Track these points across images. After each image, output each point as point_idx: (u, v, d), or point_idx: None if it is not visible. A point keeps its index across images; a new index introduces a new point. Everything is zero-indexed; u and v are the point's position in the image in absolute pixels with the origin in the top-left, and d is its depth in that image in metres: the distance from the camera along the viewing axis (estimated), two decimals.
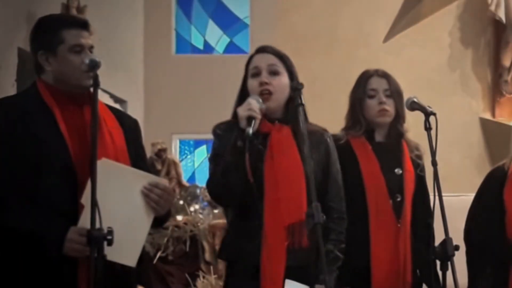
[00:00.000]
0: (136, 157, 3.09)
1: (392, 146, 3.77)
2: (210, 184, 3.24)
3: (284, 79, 3.28)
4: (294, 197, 3.17)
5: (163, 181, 3.01)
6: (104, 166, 2.80)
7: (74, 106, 2.99)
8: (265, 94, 3.22)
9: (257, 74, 3.27)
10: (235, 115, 3.25)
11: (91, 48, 2.99)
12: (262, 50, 3.36)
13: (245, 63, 3.37)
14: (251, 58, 3.35)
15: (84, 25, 3.02)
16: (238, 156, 3.10)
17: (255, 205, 3.15)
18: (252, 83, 3.27)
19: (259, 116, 3.12)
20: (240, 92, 3.34)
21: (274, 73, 3.27)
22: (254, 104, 3.14)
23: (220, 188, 3.18)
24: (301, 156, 3.21)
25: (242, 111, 3.12)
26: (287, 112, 3.27)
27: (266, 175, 3.17)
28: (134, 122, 3.21)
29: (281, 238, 3.14)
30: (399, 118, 3.77)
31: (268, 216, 3.15)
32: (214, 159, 3.25)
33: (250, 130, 3.06)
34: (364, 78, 3.80)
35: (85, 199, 2.75)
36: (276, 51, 3.34)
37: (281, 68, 3.29)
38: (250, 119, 3.08)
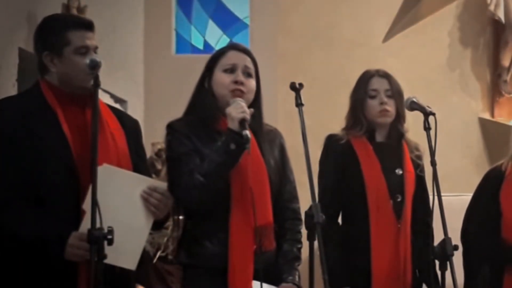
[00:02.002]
0: (137, 158, 3.10)
1: (392, 147, 3.78)
2: (191, 183, 3.07)
3: (253, 82, 3.26)
4: (261, 199, 3.13)
5: (162, 185, 3.01)
6: (105, 172, 2.82)
7: (77, 107, 2.99)
8: (237, 93, 3.18)
9: (232, 70, 3.22)
10: (191, 109, 3.22)
11: (95, 49, 3.00)
12: (238, 48, 3.31)
13: (214, 55, 3.29)
14: (223, 52, 3.28)
15: (89, 26, 3.03)
16: (232, 159, 3.05)
17: (220, 206, 3.08)
18: (224, 78, 3.21)
19: (249, 120, 3.07)
20: (201, 85, 3.26)
21: (248, 74, 3.24)
22: (245, 106, 3.09)
23: (202, 190, 3.06)
24: (264, 158, 3.19)
25: (236, 113, 3.05)
26: (251, 116, 3.19)
27: (232, 177, 3.10)
28: (135, 123, 3.21)
29: (249, 241, 3.09)
30: (399, 118, 3.78)
31: (235, 218, 3.09)
32: (182, 157, 3.13)
33: (248, 133, 3.01)
34: (365, 78, 3.81)
35: (87, 205, 2.75)
36: (252, 54, 3.30)
37: (253, 71, 3.26)
38: (243, 121, 3.04)
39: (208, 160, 3.07)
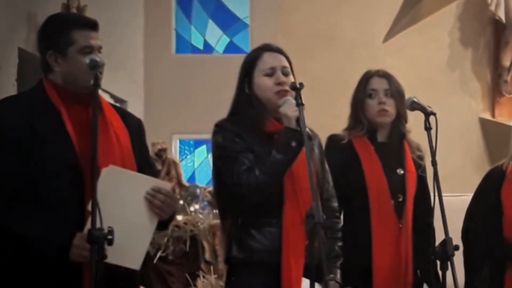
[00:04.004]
0: (141, 157, 3.10)
1: (394, 147, 3.77)
2: (249, 184, 3.12)
3: (292, 79, 3.30)
4: (309, 195, 3.13)
5: (166, 185, 3.01)
6: (111, 173, 2.82)
7: (80, 106, 2.97)
8: (282, 93, 3.23)
9: (271, 74, 3.28)
10: (235, 113, 3.27)
11: (100, 48, 2.98)
12: (272, 49, 3.36)
13: (250, 59, 3.34)
14: (258, 56, 3.32)
15: (93, 26, 3.00)
16: (293, 156, 3.12)
17: (273, 201, 3.15)
18: (267, 82, 3.26)
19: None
20: (241, 90, 3.31)
21: (286, 73, 3.30)
22: (295, 105, 3.15)
23: (263, 187, 3.12)
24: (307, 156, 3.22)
25: (291, 112, 3.12)
26: None
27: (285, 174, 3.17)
28: (138, 122, 3.21)
29: (301, 236, 3.12)
30: (400, 118, 3.77)
31: (289, 213, 3.15)
32: (236, 156, 3.17)
33: (308, 130, 3.08)
34: (365, 78, 3.81)
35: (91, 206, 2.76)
36: (283, 51, 3.36)
37: (290, 69, 3.33)
38: (298, 119, 3.10)
39: (271, 159, 3.13)
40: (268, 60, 3.30)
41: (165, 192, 2.94)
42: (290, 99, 3.18)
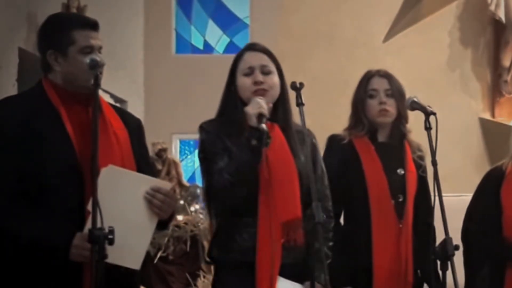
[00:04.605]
0: (140, 157, 3.10)
1: (394, 147, 3.77)
2: (220, 183, 3.13)
3: (275, 77, 3.28)
4: (289, 194, 3.16)
5: (166, 185, 3.01)
6: (110, 173, 2.82)
7: (80, 106, 2.98)
8: (259, 93, 3.21)
9: (250, 73, 3.26)
10: (221, 113, 3.28)
11: (100, 48, 2.98)
12: (252, 48, 3.34)
13: (234, 60, 3.33)
14: (240, 56, 3.32)
15: (94, 26, 3.01)
16: (255, 155, 3.09)
17: (251, 201, 3.12)
18: (245, 82, 3.26)
19: (267, 115, 3.12)
20: (228, 90, 3.32)
21: (267, 72, 3.26)
22: (262, 102, 3.14)
23: (231, 188, 3.11)
24: (293, 154, 3.22)
25: (252, 110, 3.10)
26: (276, 110, 3.26)
27: (261, 173, 3.13)
28: (138, 122, 3.21)
29: (277, 235, 3.11)
30: (401, 118, 3.77)
31: (263, 213, 3.12)
32: (213, 157, 3.19)
33: (264, 126, 3.05)
34: (366, 78, 3.81)
35: (91, 206, 2.76)
36: (267, 50, 3.33)
37: (272, 67, 3.28)
38: (260, 116, 3.08)
39: (234, 159, 3.12)
40: (247, 59, 3.29)
41: (165, 192, 2.94)
42: (258, 98, 3.16)
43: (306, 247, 3.20)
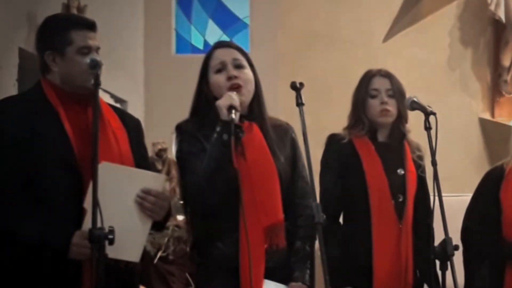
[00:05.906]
0: (139, 157, 3.10)
1: (394, 147, 3.77)
2: (194, 183, 3.05)
3: (249, 72, 3.21)
4: (270, 197, 3.10)
5: (159, 178, 3.01)
6: (105, 169, 2.82)
7: (78, 106, 2.98)
8: (235, 88, 3.13)
9: (222, 69, 3.18)
10: (195, 112, 3.21)
11: (97, 49, 2.99)
12: (222, 45, 3.29)
13: (204, 60, 3.26)
14: (210, 54, 3.24)
15: (91, 26, 3.01)
16: (227, 150, 2.99)
17: (230, 206, 3.04)
18: (218, 79, 3.17)
19: (239, 108, 3.04)
20: (199, 90, 3.24)
21: (239, 66, 3.19)
22: (234, 95, 3.06)
23: (204, 187, 3.03)
24: (273, 155, 3.15)
25: (222, 102, 3.02)
26: (252, 108, 3.20)
27: (240, 175, 3.02)
28: (137, 122, 3.21)
29: (260, 240, 3.06)
30: (401, 118, 3.77)
31: (244, 218, 3.01)
32: (189, 157, 3.11)
33: (234, 116, 2.97)
34: (367, 78, 3.80)
35: (88, 204, 2.75)
36: (237, 45, 3.28)
37: (244, 61, 3.22)
38: (230, 108, 3.00)
39: (206, 157, 3.05)
40: (218, 56, 3.21)
41: (155, 194, 2.92)
42: (230, 93, 3.08)
43: (288, 248, 3.16)
